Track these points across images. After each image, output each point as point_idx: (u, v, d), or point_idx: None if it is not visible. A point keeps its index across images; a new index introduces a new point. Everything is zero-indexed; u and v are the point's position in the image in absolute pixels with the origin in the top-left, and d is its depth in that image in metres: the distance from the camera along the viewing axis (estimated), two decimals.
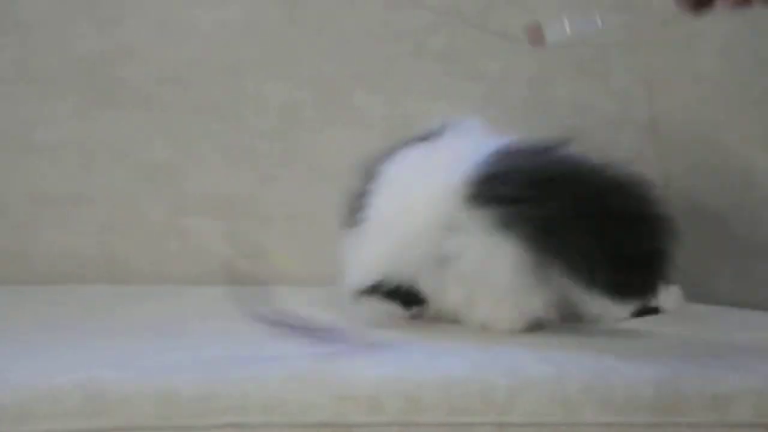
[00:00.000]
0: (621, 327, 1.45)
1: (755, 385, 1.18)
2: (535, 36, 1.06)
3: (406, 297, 1.34)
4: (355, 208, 1.36)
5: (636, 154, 1.76)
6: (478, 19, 1.77)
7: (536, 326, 1.35)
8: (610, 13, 1.11)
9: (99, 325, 1.39)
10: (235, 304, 1.50)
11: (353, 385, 1.15)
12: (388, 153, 1.39)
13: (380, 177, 1.36)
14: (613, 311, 1.33)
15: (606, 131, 1.76)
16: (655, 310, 1.41)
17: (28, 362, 1.17)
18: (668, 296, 1.41)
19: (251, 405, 1.13)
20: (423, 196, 1.31)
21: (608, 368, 1.20)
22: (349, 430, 1.14)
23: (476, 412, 1.16)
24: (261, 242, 1.70)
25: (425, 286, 1.34)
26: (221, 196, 1.72)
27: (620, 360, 1.22)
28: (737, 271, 1.66)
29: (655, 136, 1.76)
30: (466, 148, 1.33)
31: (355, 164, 1.39)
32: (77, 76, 1.71)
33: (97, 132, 1.71)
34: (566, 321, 1.35)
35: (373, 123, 1.75)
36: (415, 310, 1.36)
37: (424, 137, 1.40)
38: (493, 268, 1.28)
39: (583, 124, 1.77)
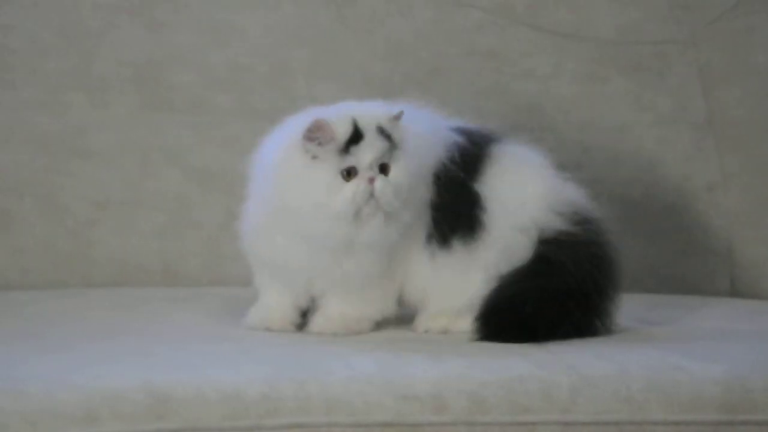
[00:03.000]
0: (687, 324, 1.45)
1: None
2: None
3: None
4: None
5: (693, 151, 1.75)
6: (528, 17, 1.77)
7: None
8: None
9: (159, 329, 1.40)
10: None
11: (417, 385, 1.15)
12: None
13: None
14: None
15: (662, 128, 1.75)
16: None
17: (92, 366, 1.18)
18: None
19: (315, 405, 1.13)
20: None
21: (672, 366, 1.20)
22: (413, 430, 1.14)
23: (540, 410, 1.16)
24: None
25: None
26: None
27: (685, 357, 1.21)
28: None
29: (713, 132, 1.75)
30: None
31: None
32: (132, 81, 1.72)
33: (151, 136, 1.72)
34: None
35: None
36: None
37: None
38: None
39: (638, 121, 1.76)
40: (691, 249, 1.74)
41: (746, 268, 1.72)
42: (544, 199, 1.37)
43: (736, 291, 1.72)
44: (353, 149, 1.29)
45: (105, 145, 1.71)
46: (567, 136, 1.75)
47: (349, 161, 1.29)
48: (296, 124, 1.33)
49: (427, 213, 1.35)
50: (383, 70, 1.75)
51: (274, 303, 1.39)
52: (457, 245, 1.35)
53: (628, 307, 1.55)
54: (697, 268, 1.74)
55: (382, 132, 1.30)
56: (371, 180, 1.29)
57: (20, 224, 1.69)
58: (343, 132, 1.29)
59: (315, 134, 1.29)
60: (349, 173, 1.29)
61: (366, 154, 1.29)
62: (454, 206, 1.35)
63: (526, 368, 1.19)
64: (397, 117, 1.31)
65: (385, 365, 1.19)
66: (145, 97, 1.72)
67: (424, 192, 1.34)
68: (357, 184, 1.29)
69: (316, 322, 1.37)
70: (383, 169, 1.30)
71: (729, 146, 1.74)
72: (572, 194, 1.39)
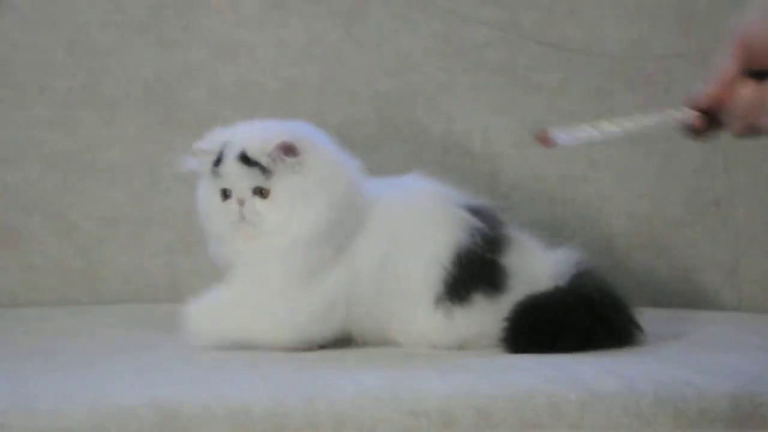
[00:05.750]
0: (691, 339, 1.45)
1: None
2: (544, 138, 1.11)
3: None
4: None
5: (701, 166, 1.75)
6: (535, 33, 1.77)
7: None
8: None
9: (167, 345, 1.40)
10: None
11: (425, 401, 1.15)
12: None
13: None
14: None
15: (670, 142, 1.75)
16: None
17: (101, 382, 1.19)
18: None
19: (322, 421, 1.14)
20: None
21: (681, 381, 1.19)
22: None
23: (548, 425, 1.16)
24: None
25: None
26: None
27: (693, 372, 1.21)
28: None
29: (720, 146, 1.75)
30: None
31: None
32: (141, 99, 1.73)
33: (160, 154, 1.72)
34: None
35: (433, 138, 1.75)
36: None
37: None
38: None
39: (645, 135, 1.75)
40: (699, 263, 1.74)
41: (754, 283, 1.72)
42: (550, 269, 1.42)
43: (743, 305, 1.72)
44: (221, 172, 1.35)
45: (114, 162, 1.72)
46: (574, 151, 1.75)
47: (222, 183, 1.35)
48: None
49: (438, 283, 1.37)
50: (391, 85, 1.76)
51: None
52: (478, 299, 1.38)
53: None
54: (705, 283, 1.73)
55: (245, 158, 1.34)
56: (240, 202, 1.34)
57: (29, 241, 1.70)
58: (210, 155, 1.36)
59: (196, 155, 1.37)
60: (226, 194, 1.35)
61: (230, 178, 1.34)
62: (477, 276, 1.38)
63: (534, 383, 1.19)
64: (279, 147, 1.33)
65: (393, 381, 1.19)
66: (154, 115, 1.73)
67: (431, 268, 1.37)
68: (228, 204, 1.35)
69: None
70: (262, 193, 1.34)
71: (737, 161, 1.74)
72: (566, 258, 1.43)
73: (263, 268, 1.35)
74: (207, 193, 1.37)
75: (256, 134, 1.36)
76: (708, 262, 1.74)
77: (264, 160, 1.33)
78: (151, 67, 1.73)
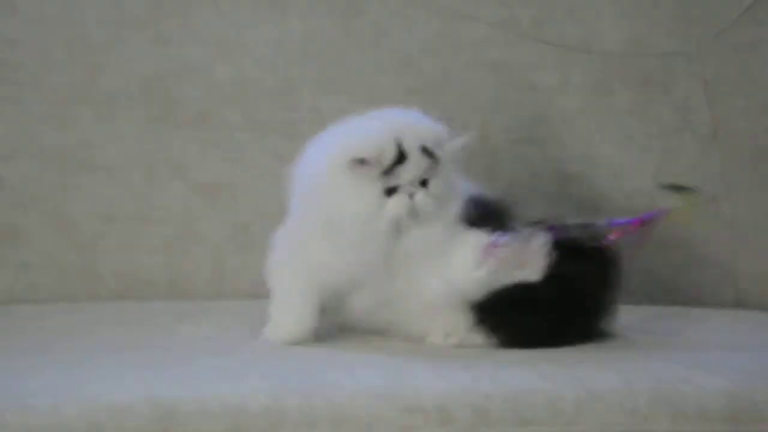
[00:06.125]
0: (692, 336, 1.45)
1: None
2: None
3: None
4: None
5: (698, 163, 1.75)
6: (533, 30, 1.77)
7: None
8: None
9: (164, 342, 1.40)
10: None
11: (422, 398, 1.15)
12: None
13: None
14: None
15: (667, 140, 1.75)
16: None
17: (98, 379, 1.19)
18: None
19: (320, 418, 1.14)
20: None
21: (678, 378, 1.20)
22: None
23: (545, 423, 1.16)
24: None
25: None
26: (280, 212, 1.73)
27: (691, 369, 1.21)
28: None
29: (718, 144, 1.75)
30: None
31: None
32: (138, 95, 1.73)
33: (157, 150, 1.73)
34: None
35: None
36: None
37: None
38: None
39: (643, 133, 1.76)
40: (696, 260, 1.74)
41: (750, 280, 1.72)
42: None
43: (740, 302, 1.72)
44: (397, 169, 1.32)
45: (111, 159, 1.72)
46: (572, 148, 1.76)
47: (393, 181, 1.32)
48: (340, 139, 1.36)
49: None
50: (389, 82, 1.76)
51: (294, 317, 1.39)
52: None
53: (632, 319, 1.55)
54: (702, 280, 1.73)
55: (426, 151, 1.33)
56: (411, 195, 1.33)
57: (26, 238, 1.69)
58: (388, 157, 1.32)
59: (359, 166, 1.32)
60: (391, 189, 1.33)
61: (409, 174, 1.32)
62: None
63: (532, 380, 1.19)
64: (447, 136, 1.34)
65: (391, 377, 1.19)
66: (151, 111, 1.73)
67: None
68: (398, 200, 1.33)
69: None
70: (423, 183, 1.33)
71: (734, 158, 1.74)
72: None
73: (429, 252, 1.35)
74: (365, 199, 1.32)
75: (422, 126, 1.35)
76: (705, 259, 1.74)
77: (438, 151, 1.33)
78: (149, 64, 1.73)
